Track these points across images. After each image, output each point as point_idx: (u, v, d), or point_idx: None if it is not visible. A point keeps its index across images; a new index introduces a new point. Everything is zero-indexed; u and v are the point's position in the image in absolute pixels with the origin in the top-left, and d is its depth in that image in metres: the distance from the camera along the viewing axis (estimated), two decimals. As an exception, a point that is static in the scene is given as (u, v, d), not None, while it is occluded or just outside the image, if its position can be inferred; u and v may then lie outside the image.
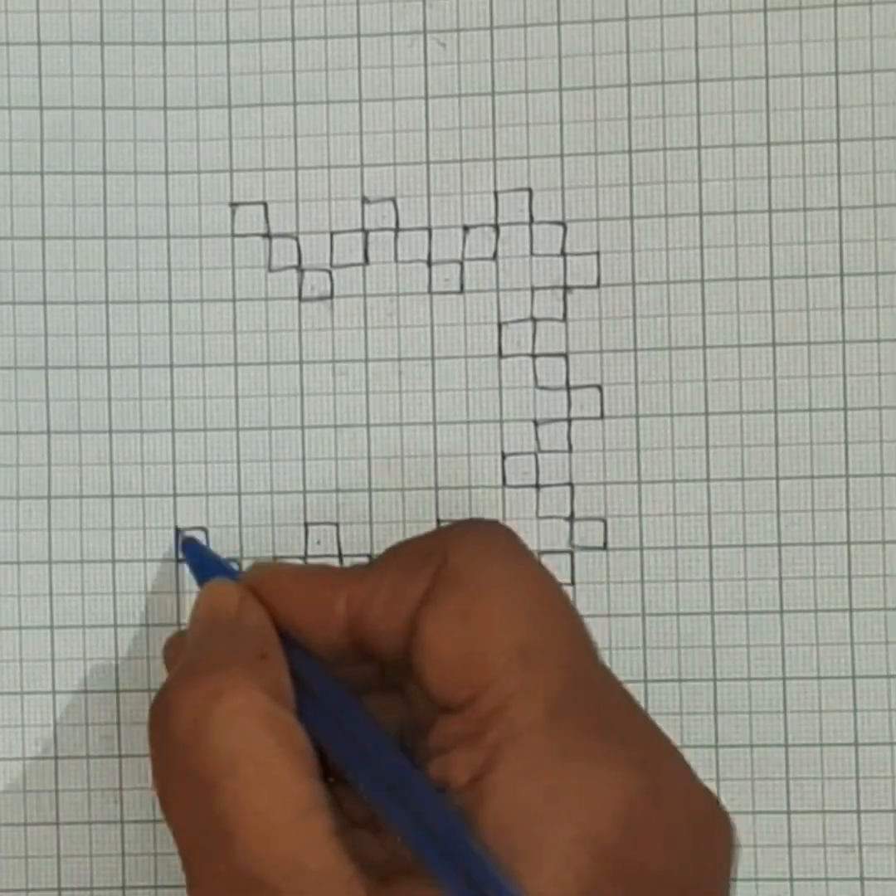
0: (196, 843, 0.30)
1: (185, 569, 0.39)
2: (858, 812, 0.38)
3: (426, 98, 0.39)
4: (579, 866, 0.28)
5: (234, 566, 0.38)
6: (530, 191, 0.39)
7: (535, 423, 0.39)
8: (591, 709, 0.31)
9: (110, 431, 0.39)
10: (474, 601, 0.31)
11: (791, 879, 0.38)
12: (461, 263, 0.39)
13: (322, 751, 0.32)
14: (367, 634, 0.33)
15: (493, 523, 0.34)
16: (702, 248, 0.39)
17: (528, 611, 0.31)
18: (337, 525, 0.39)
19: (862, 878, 0.38)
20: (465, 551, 0.32)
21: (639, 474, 0.39)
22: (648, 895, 0.29)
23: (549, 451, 0.39)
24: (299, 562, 0.39)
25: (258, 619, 0.33)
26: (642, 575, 0.39)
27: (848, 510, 0.39)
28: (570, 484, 0.39)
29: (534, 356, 0.39)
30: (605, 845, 0.29)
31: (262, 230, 0.40)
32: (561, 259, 0.39)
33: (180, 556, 0.39)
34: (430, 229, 0.39)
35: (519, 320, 0.39)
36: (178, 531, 0.39)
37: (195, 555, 0.38)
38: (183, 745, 0.30)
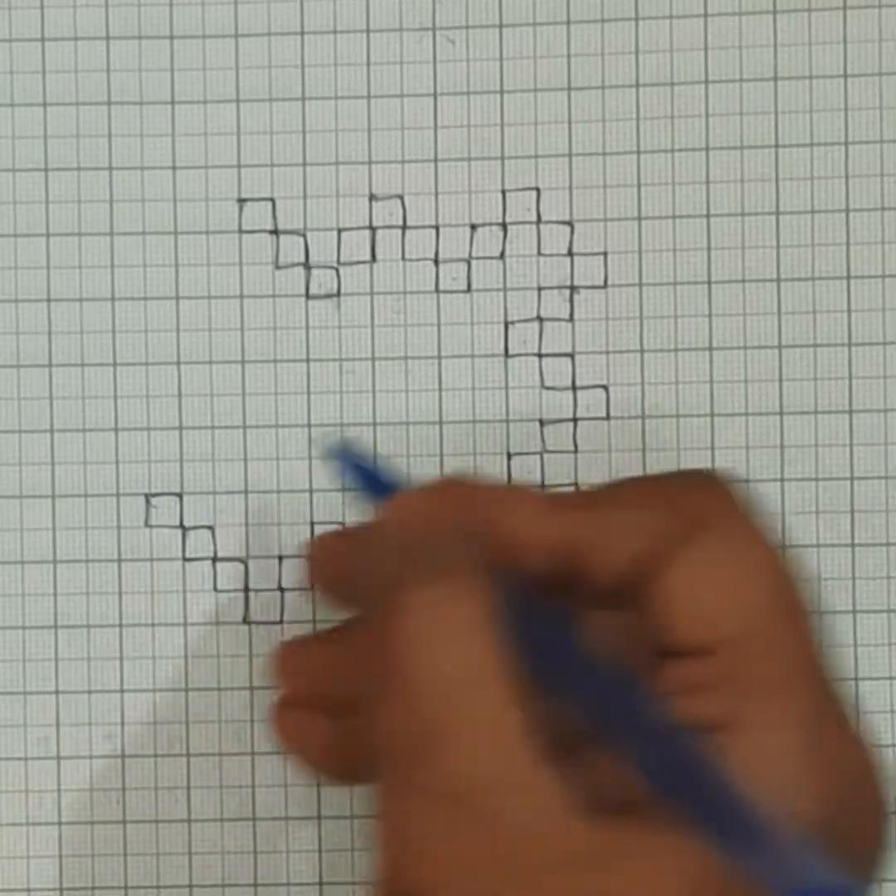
0: (400, 748, 0.29)
1: (189, 567, 0.39)
2: (861, 813, 0.38)
3: (435, 95, 0.39)
4: (813, 824, 0.28)
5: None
6: (538, 190, 0.39)
7: (541, 423, 0.39)
8: (828, 675, 0.31)
9: (116, 429, 0.39)
10: (732, 551, 0.31)
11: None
12: (468, 262, 0.39)
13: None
14: (587, 564, 0.31)
15: (723, 473, 0.33)
16: (709, 249, 0.39)
17: (777, 569, 0.31)
18: (342, 524, 0.39)
19: (865, 879, 0.38)
20: (717, 500, 0.31)
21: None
22: (856, 861, 0.30)
23: (555, 452, 0.39)
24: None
25: (473, 536, 0.31)
26: (648, 576, 0.39)
27: (852, 512, 0.39)
28: (576, 484, 0.39)
29: (540, 356, 0.39)
30: (834, 809, 0.29)
31: (269, 226, 0.39)
32: (568, 259, 0.39)
33: (337, 461, 0.35)
34: (437, 227, 0.39)
35: (526, 320, 0.39)
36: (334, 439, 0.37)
37: (353, 465, 0.34)
38: (410, 646, 0.29)
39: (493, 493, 0.32)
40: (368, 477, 0.34)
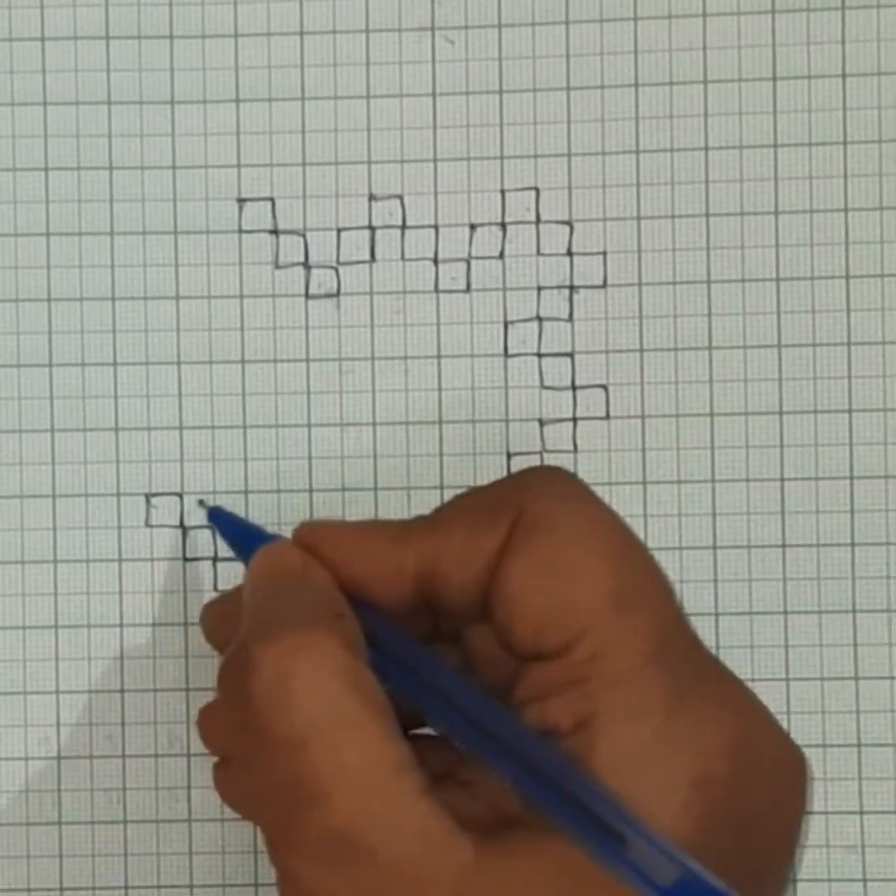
0: (281, 807, 0.29)
1: (189, 567, 0.39)
2: (861, 813, 0.38)
3: (434, 95, 0.39)
4: (695, 807, 0.28)
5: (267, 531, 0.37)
6: (537, 190, 0.39)
7: (541, 423, 0.39)
8: (687, 652, 0.31)
9: (116, 429, 0.39)
10: (561, 549, 0.31)
11: (795, 880, 0.38)
12: (468, 262, 0.39)
13: (397, 708, 0.31)
14: (438, 587, 0.32)
15: (560, 469, 0.33)
16: (708, 248, 0.39)
17: (615, 555, 0.31)
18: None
19: (865, 880, 0.38)
20: (542, 499, 0.31)
21: (644, 475, 0.39)
22: (750, 833, 0.29)
23: (555, 451, 0.39)
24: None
25: (325, 577, 0.32)
26: (648, 575, 0.39)
27: (852, 512, 0.39)
28: (576, 484, 0.39)
29: (540, 356, 0.39)
30: (716, 785, 0.29)
31: (269, 226, 0.39)
32: (567, 259, 0.39)
33: (207, 524, 0.38)
34: (436, 227, 0.39)
35: (525, 320, 0.39)
36: (201, 502, 0.38)
37: (226, 523, 0.37)
38: (265, 703, 0.29)
39: (341, 534, 0.33)
40: (240, 536, 0.35)
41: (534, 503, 0.31)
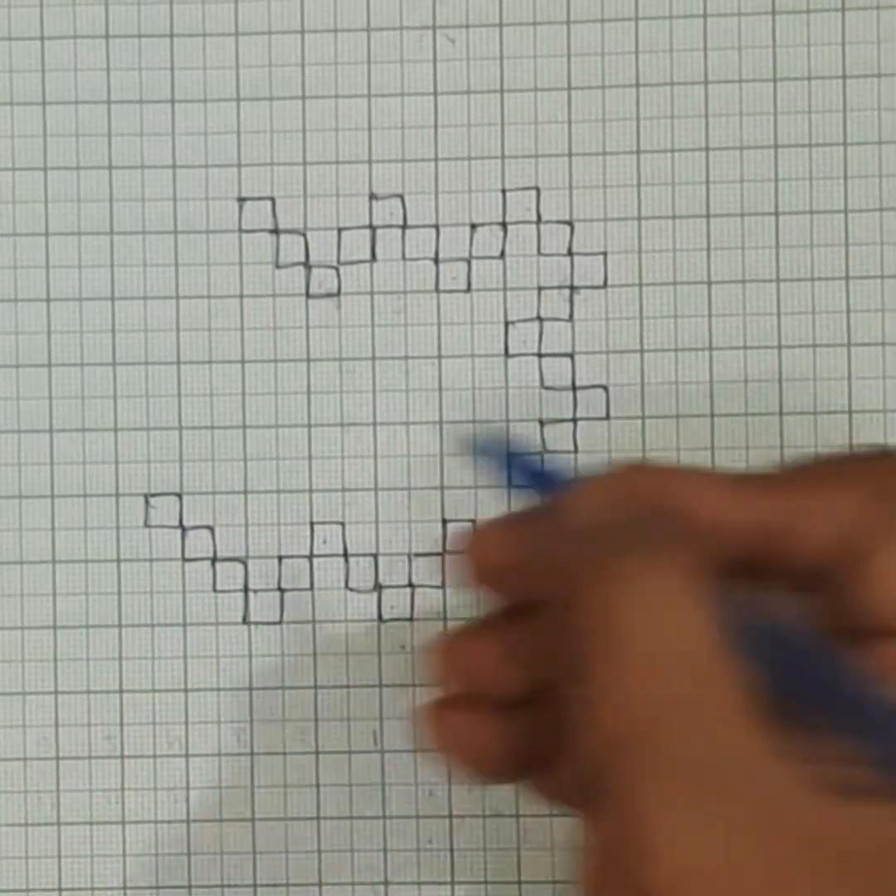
0: (622, 736, 0.26)
1: (188, 567, 0.39)
2: (860, 813, 0.39)
3: (435, 94, 0.39)
4: None
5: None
6: (538, 190, 0.39)
7: (541, 423, 0.39)
8: None
9: (115, 429, 0.39)
10: None
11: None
12: (468, 262, 0.39)
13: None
14: (780, 546, 0.30)
15: None
16: (709, 249, 0.39)
17: None
18: (343, 524, 0.39)
19: (863, 879, 0.38)
20: None
21: (644, 475, 0.39)
22: None
23: (555, 452, 0.39)
24: (305, 561, 0.39)
25: (667, 512, 0.29)
26: (648, 576, 0.39)
27: (851, 513, 0.39)
28: (576, 484, 0.39)
29: (540, 356, 0.39)
30: None
31: (269, 226, 0.39)
32: (568, 259, 0.39)
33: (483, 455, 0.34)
34: (437, 227, 0.39)
35: (525, 320, 0.39)
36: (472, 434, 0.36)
37: (518, 457, 0.33)
38: (621, 620, 0.27)
39: (680, 477, 0.30)
40: (533, 468, 0.32)
41: None
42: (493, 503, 0.39)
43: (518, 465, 0.33)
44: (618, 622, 0.27)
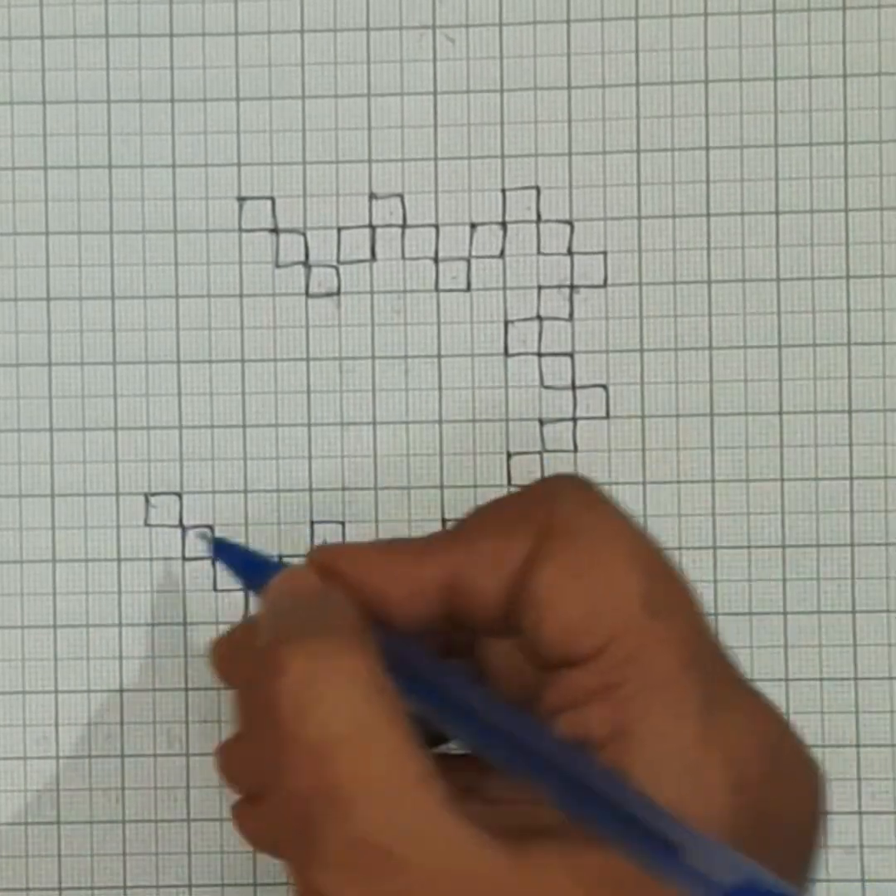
0: (307, 820, 0.28)
1: (188, 566, 0.39)
2: (860, 814, 0.38)
3: (434, 94, 0.39)
4: (731, 811, 0.28)
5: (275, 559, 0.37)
6: (538, 189, 0.39)
7: (541, 423, 0.39)
8: (719, 657, 0.31)
9: (115, 428, 0.39)
10: (591, 553, 0.30)
11: (794, 879, 0.38)
12: (468, 261, 0.39)
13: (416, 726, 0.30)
14: (464, 601, 0.31)
15: (581, 477, 0.33)
16: (709, 248, 0.39)
17: (645, 561, 0.31)
18: (343, 523, 0.39)
19: (863, 880, 0.38)
20: (569, 504, 0.31)
21: (644, 474, 0.39)
22: (775, 836, 0.29)
23: (555, 451, 0.39)
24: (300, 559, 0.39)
25: (344, 598, 0.32)
26: (647, 575, 0.39)
27: (852, 512, 0.39)
28: (576, 484, 0.39)
29: (540, 355, 0.39)
30: (750, 789, 0.29)
31: (269, 225, 0.39)
32: (568, 258, 0.39)
33: (211, 556, 0.38)
34: (437, 226, 0.39)
35: (525, 319, 0.39)
36: (211, 530, 0.38)
37: (231, 554, 0.36)
38: (291, 708, 0.29)
39: (361, 555, 0.32)
40: (249, 566, 0.35)
41: (561, 509, 0.31)
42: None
43: (229, 561, 0.36)
44: (293, 711, 0.29)
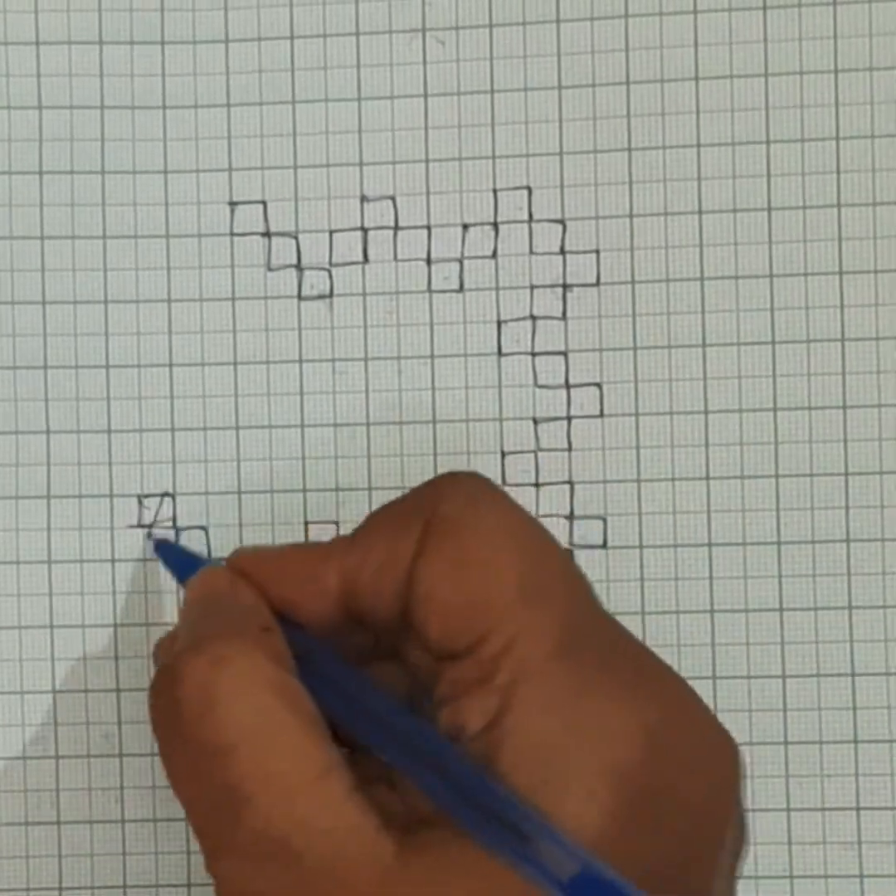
0: (211, 814, 0.30)
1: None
2: (858, 809, 0.38)
3: (425, 96, 0.39)
4: (602, 797, 0.28)
5: (212, 559, 0.38)
6: (529, 189, 0.39)
7: (535, 422, 0.39)
8: (598, 644, 0.31)
9: (109, 431, 0.39)
10: (468, 545, 0.31)
11: (791, 877, 0.38)
12: (460, 262, 0.39)
13: (328, 720, 0.31)
14: (363, 601, 0.32)
15: (474, 473, 0.34)
16: (701, 246, 0.39)
17: (523, 551, 0.31)
18: (337, 524, 0.39)
19: (861, 876, 0.38)
20: (453, 500, 0.32)
21: (638, 472, 0.39)
22: (668, 821, 0.29)
23: (549, 450, 0.39)
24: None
25: (252, 597, 0.33)
26: (642, 573, 0.39)
27: (847, 508, 0.39)
28: (570, 482, 0.39)
29: (533, 354, 0.39)
30: (626, 775, 0.29)
31: (261, 229, 0.39)
32: (560, 257, 0.39)
33: (153, 556, 0.39)
34: (429, 228, 0.39)
35: (518, 319, 0.39)
36: (149, 534, 0.39)
37: (170, 554, 0.38)
38: (191, 712, 0.30)
39: (266, 558, 0.34)
40: (183, 566, 0.36)
41: (444, 505, 0.32)
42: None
43: (166, 555, 0.38)
44: (193, 710, 0.30)
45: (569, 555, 0.33)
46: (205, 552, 0.39)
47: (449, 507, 0.32)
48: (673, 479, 0.39)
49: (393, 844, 0.29)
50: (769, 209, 0.39)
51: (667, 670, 0.32)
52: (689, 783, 0.30)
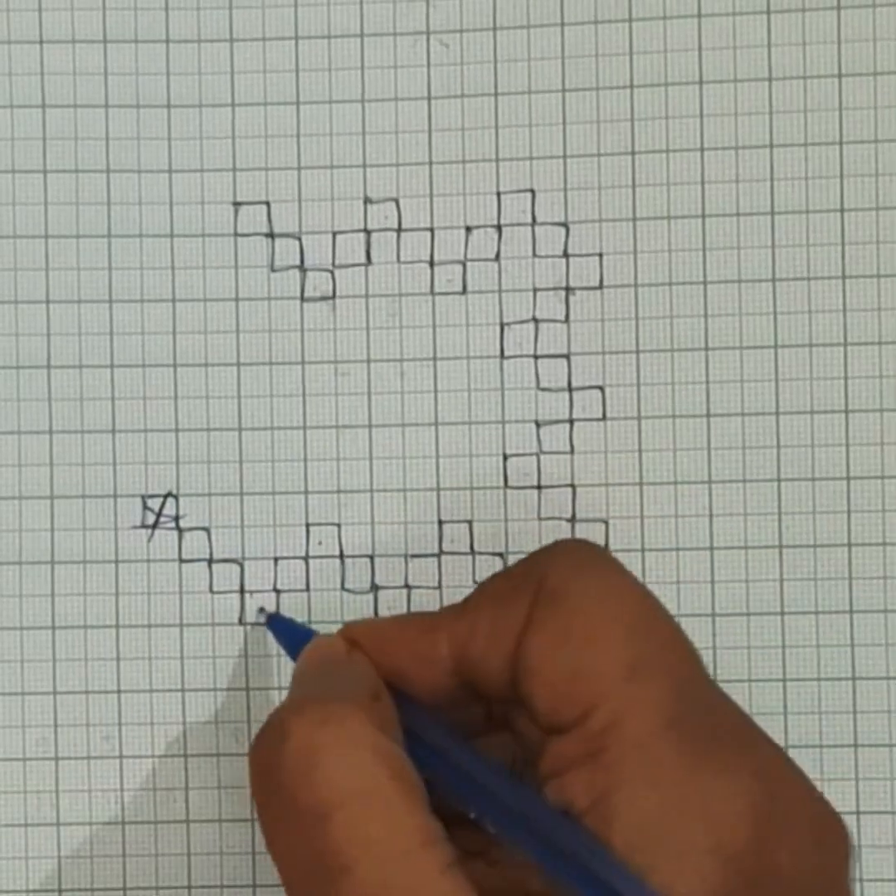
0: (307, 878, 0.29)
1: (185, 568, 0.39)
2: (858, 813, 0.38)
3: (429, 98, 0.39)
4: (712, 877, 0.28)
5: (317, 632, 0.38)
6: (533, 192, 0.39)
7: (537, 425, 0.39)
8: (705, 719, 0.30)
9: (113, 431, 0.39)
10: (575, 618, 0.31)
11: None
12: (463, 264, 0.39)
13: (433, 793, 0.31)
14: (473, 671, 0.32)
15: (584, 541, 0.34)
16: (704, 249, 0.39)
17: (630, 624, 0.31)
18: (339, 526, 0.39)
19: (861, 880, 0.38)
20: (560, 570, 0.32)
21: (640, 476, 0.39)
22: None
23: (551, 453, 0.39)
24: (301, 563, 0.39)
25: (365, 665, 0.33)
26: (644, 576, 0.39)
27: (849, 512, 0.39)
28: (572, 485, 0.39)
29: (536, 357, 0.39)
30: (734, 854, 0.28)
31: (264, 230, 0.39)
32: (563, 260, 0.39)
33: (261, 624, 0.39)
34: (432, 230, 0.39)
35: (521, 321, 0.39)
36: (261, 609, 0.39)
37: (281, 627, 0.38)
38: (293, 774, 0.29)
39: (377, 629, 0.34)
40: (295, 639, 0.36)
41: (552, 575, 0.31)
42: (489, 506, 0.39)
43: (277, 629, 0.38)
44: (296, 773, 0.29)
45: (675, 621, 0.32)
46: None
47: (556, 578, 0.31)
48: (675, 483, 0.39)
49: None
50: (772, 213, 0.39)
51: (770, 745, 0.31)
52: (795, 862, 0.29)
